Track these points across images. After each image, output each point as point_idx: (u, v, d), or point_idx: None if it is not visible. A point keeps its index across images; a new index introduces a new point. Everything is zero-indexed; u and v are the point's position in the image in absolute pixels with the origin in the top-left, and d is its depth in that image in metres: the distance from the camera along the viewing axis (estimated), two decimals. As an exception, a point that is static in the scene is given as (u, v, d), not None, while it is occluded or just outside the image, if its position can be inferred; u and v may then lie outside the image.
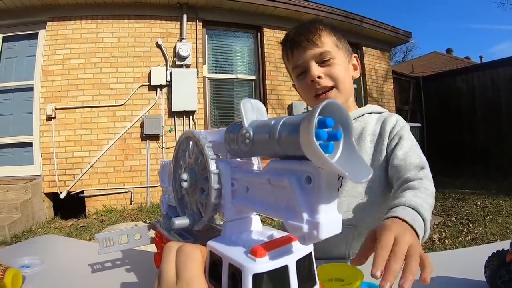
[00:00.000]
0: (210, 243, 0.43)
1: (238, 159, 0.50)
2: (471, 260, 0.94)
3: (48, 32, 5.62)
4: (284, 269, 0.37)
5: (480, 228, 4.16)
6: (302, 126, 0.33)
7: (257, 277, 0.35)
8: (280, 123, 0.38)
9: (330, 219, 0.35)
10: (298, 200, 0.36)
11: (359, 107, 1.26)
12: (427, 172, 1.00)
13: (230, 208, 0.46)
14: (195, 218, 0.50)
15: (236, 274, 0.37)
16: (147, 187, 5.73)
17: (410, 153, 1.06)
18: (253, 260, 0.36)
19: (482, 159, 8.35)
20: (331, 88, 1.13)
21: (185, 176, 0.50)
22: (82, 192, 5.50)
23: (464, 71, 9.69)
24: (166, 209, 0.76)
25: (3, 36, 5.69)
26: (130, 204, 5.65)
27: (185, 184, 0.50)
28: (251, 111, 0.45)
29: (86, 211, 5.46)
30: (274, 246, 0.38)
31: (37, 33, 5.70)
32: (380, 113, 1.24)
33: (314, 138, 0.31)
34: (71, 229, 4.67)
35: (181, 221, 0.50)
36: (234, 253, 0.39)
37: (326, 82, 1.12)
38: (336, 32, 1.21)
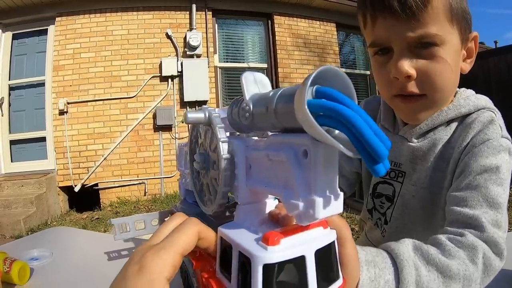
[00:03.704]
0: (221, 228, 0.38)
1: (256, 137, 0.44)
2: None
3: (58, 28, 5.61)
4: (301, 260, 0.32)
5: None
6: (296, 95, 0.30)
7: (268, 268, 0.30)
8: (278, 94, 0.35)
9: (328, 198, 0.31)
10: (295, 176, 0.32)
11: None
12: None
13: (244, 191, 0.41)
14: (206, 114, 0.44)
15: (246, 263, 0.32)
16: (160, 178, 5.70)
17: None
18: (264, 249, 0.31)
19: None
20: (420, 96, 0.76)
21: (197, 157, 0.47)
22: (96, 184, 5.50)
23: (479, 56, 9.52)
24: (184, 194, 0.72)
25: (13, 34, 5.70)
26: (144, 195, 5.64)
27: (197, 166, 0.47)
28: (253, 84, 0.42)
29: (101, 203, 5.47)
30: (290, 233, 0.33)
31: (47, 29, 5.70)
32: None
33: (306, 106, 0.28)
34: (86, 222, 4.68)
35: (196, 115, 0.43)
36: (244, 240, 0.34)
37: (414, 87, 0.75)
38: None
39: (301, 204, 0.31)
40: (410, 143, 0.85)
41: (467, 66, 0.82)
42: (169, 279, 0.34)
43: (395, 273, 0.51)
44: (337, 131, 0.31)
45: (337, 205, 0.32)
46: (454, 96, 0.84)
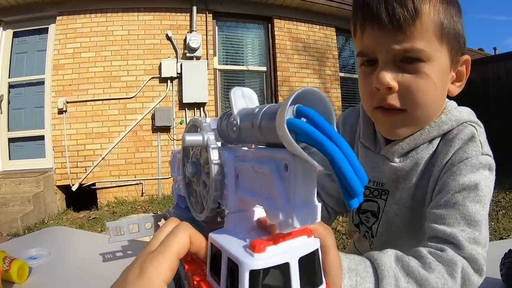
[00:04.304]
0: (212, 234, 0.40)
1: (245, 148, 0.46)
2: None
3: (58, 27, 5.63)
4: (285, 266, 0.34)
5: (493, 223, 4.03)
6: (278, 113, 0.32)
7: (254, 274, 0.32)
8: (262, 111, 0.37)
9: (306, 208, 0.33)
10: (277, 187, 0.34)
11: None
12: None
13: (234, 199, 0.43)
14: (204, 138, 0.46)
15: (234, 269, 0.34)
16: (158, 179, 5.72)
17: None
18: (251, 256, 0.33)
19: (496, 153, 8.06)
20: (400, 110, 0.75)
21: (189, 164, 0.49)
22: (93, 184, 5.51)
23: (478, 63, 9.54)
24: (176, 199, 0.74)
25: (14, 32, 5.72)
26: (142, 196, 5.65)
27: (189, 173, 0.49)
28: (241, 99, 0.44)
29: (98, 203, 5.48)
30: (275, 241, 0.35)
31: (47, 27, 5.73)
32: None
33: (285, 125, 0.30)
34: (83, 221, 4.69)
35: (194, 137, 0.45)
36: (233, 247, 0.36)
37: (394, 100, 0.73)
38: (450, 4, 0.74)
39: (281, 214, 0.33)
40: (392, 163, 0.83)
41: (455, 89, 0.81)
42: (168, 282, 0.36)
43: (375, 282, 0.53)
44: (314, 149, 0.33)
45: (314, 215, 0.34)
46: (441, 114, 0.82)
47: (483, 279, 0.62)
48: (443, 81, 0.75)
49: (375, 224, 0.93)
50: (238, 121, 0.41)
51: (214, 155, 0.43)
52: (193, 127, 0.51)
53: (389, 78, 0.71)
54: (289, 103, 0.31)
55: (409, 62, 0.71)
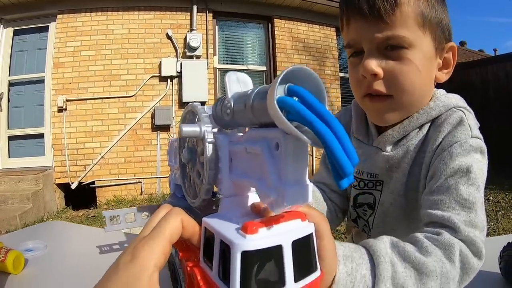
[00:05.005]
0: (205, 219, 0.40)
1: (240, 134, 0.47)
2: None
3: (59, 25, 5.62)
4: (278, 249, 0.33)
5: (492, 223, 4.04)
6: (268, 92, 0.32)
7: (246, 255, 0.32)
8: (254, 92, 0.37)
9: (297, 187, 0.34)
10: (268, 166, 0.34)
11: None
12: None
13: (228, 183, 0.44)
14: (201, 130, 0.46)
15: (226, 251, 0.34)
16: (157, 177, 5.72)
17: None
18: (243, 237, 0.33)
19: (495, 154, 8.05)
20: (387, 96, 0.78)
21: (185, 150, 0.50)
22: (93, 182, 5.50)
23: (478, 64, 9.53)
24: (173, 188, 0.74)
25: (14, 30, 5.71)
26: (141, 194, 5.65)
27: (185, 159, 0.49)
28: (236, 83, 0.44)
29: (97, 201, 5.47)
30: (268, 224, 0.35)
31: (48, 26, 5.72)
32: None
33: (275, 102, 0.31)
34: (81, 219, 4.69)
35: (190, 128, 0.45)
36: (225, 229, 0.36)
37: (380, 86, 0.76)
38: None
39: (272, 193, 0.34)
40: (385, 153, 0.85)
41: (443, 76, 0.83)
42: (160, 266, 0.36)
43: (371, 269, 0.52)
44: (306, 127, 0.33)
45: (305, 194, 0.34)
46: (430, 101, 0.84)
47: (482, 263, 0.61)
48: (428, 67, 0.78)
49: (371, 217, 0.93)
50: (232, 104, 0.42)
51: (208, 135, 0.44)
52: (191, 114, 0.51)
53: (374, 65, 0.74)
54: (278, 81, 0.31)
55: (392, 49, 0.74)
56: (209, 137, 0.44)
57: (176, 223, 0.39)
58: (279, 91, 0.32)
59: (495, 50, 13.21)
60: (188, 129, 0.44)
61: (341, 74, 7.10)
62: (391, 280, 0.52)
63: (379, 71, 0.74)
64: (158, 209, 0.43)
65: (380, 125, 0.86)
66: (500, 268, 0.79)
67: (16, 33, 5.74)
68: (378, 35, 0.73)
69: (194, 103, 0.48)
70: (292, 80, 0.33)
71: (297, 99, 0.32)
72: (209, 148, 0.43)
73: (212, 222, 0.38)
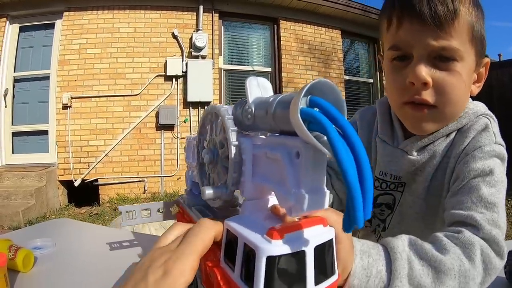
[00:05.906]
0: (228, 221, 0.41)
1: (263, 136, 0.48)
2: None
3: (65, 22, 5.64)
4: (301, 254, 0.35)
5: None
6: (292, 102, 0.34)
7: (271, 260, 0.33)
8: (277, 101, 0.39)
9: (315, 194, 0.35)
10: (288, 173, 0.36)
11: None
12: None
13: (250, 186, 0.44)
14: (223, 192, 0.48)
15: (250, 255, 0.35)
16: (161, 176, 5.72)
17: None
18: (268, 242, 0.34)
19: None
20: (431, 106, 0.76)
21: (206, 150, 0.51)
22: (96, 180, 5.52)
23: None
24: (190, 185, 0.75)
25: (20, 26, 5.73)
26: (144, 193, 5.66)
27: (206, 159, 0.50)
28: (256, 88, 0.46)
29: (100, 199, 5.48)
30: (292, 229, 0.36)
31: (54, 23, 5.74)
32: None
33: (299, 114, 0.32)
34: (84, 217, 4.70)
35: (211, 191, 0.47)
36: (250, 233, 0.37)
37: (428, 96, 0.75)
38: (479, 9, 0.76)
39: (291, 199, 0.35)
40: (410, 156, 0.85)
41: (476, 90, 0.83)
42: (189, 283, 0.37)
43: (387, 265, 0.53)
44: (325, 137, 0.34)
45: (322, 201, 0.35)
46: None
47: (504, 263, 0.61)
48: (470, 81, 0.79)
49: (389, 216, 0.94)
50: (253, 109, 0.43)
51: (233, 138, 0.45)
52: (209, 114, 0.52)
53: (426, 73, 0.73)
54: (303, 93, 0.33)
55: (443, 60, 0.73)
56: (234, 140, 0.44)
57: (209, 240, 0.40)
58: (302, 103, 0.33)
59: (499, 55, 13.10)
60: (210, 191, 0.47)
61: (346, 77, 7.10)
62: (407, 278, 0.52)
63: (430, 80, 0.73)
64: (172, 226, 0.45)
65: (414, 133, 0.85)
66: (505, 272, 0.79)
67: (22, 29, 5.76)
68: (434, 43, 0.71)
69: (217, 105, 0.49)
70: (313, 92, 0.34)
71: (318, 110, 0.33)
72: (233, 151, 0.43)
73: (235, 225, 0.39)
